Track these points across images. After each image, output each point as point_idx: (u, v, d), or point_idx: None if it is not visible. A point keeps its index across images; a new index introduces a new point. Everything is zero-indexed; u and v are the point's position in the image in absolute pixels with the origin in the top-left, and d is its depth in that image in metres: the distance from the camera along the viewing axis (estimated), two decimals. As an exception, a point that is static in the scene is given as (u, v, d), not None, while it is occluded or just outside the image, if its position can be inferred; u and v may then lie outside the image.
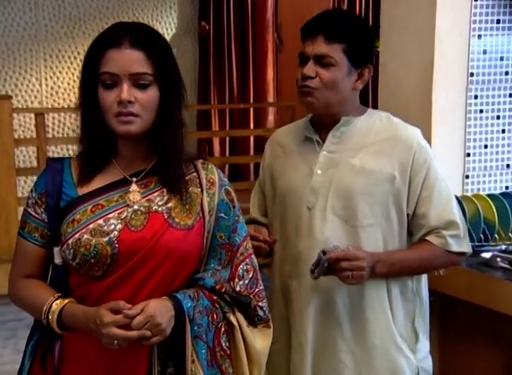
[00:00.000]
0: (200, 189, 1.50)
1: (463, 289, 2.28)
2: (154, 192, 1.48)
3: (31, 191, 1.51)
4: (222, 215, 1.51)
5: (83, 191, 1.47)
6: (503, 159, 3.00)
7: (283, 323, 1.88)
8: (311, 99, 1.78)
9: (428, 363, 1.91)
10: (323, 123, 1.85)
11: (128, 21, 1.53)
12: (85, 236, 1.42)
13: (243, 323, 1.52)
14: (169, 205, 1.46)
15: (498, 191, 2.90)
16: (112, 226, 1.42)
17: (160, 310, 1.36)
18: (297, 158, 1.89)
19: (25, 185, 5.16)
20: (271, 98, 6.06)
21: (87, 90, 1.45)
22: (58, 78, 5.36)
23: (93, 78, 1.42)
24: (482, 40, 2.84)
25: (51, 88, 5.34)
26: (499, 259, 2.49)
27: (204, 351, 1.46)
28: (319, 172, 1.83)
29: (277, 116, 5.98)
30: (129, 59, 1.39)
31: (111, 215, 1.44)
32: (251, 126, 5.85)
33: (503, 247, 2.66)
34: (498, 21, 2.86)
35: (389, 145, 1.81)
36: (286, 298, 1.89)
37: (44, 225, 1.49)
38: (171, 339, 1.40)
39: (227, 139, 5.84)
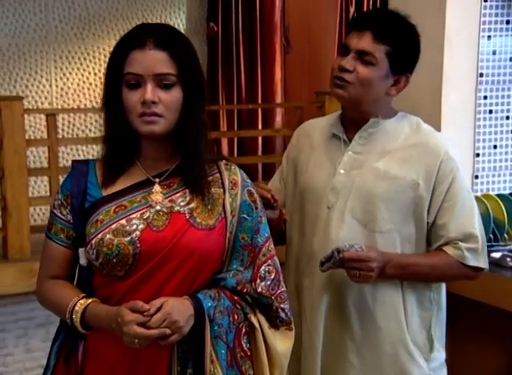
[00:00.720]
0: (222, 190, 1.50)
1: (472, 288, 2.29)
2: (176, 193, 1.48)
3: (57, 193, 1.54)
4: (245, 216, 1.51)
5: (107, 191, 1.49)
6: (512, 160, 3.01)
7: (295, 318, 1.90)
8: (342, 92, 1.76)
9: (442, 373, 1.89)
10: (352, 122, 1.83)
11: (152, 22, 1.54)
12: (107, 236, 1.43)
13: (265, 324, 1.51)
14: (191, 205, 1.46)
15: (507, 191, 2.92)
16: (134, 226, 1.43)
17: (178, 308, 1.36)
18: (323, 155, 1.87)
19: (35, 185, 5.19)
20: (279, 99, 6.07)
21: (111, 91, 1.46)
22: (68, 79, 5.39)
23: (117, 79, 1.43)
24: (492, 41, 2.86)
25: (61, 89, 5.36)
26: (508, 259, 2.51)
27: (223, 351, 1.46)
28: (342, 172, 1.81)
29: (285, 117, 5.99)
30: (153, 60, 1.40)
31: (133, 215, 1.45)
32: (259, 126, 5.86)
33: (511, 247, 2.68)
34: (507, 22, 2.88)
35: (416, 152, 1.78)
36: (298, 295, 1.89)
37: (70, 226, 1.51)
38: (191, 339, 1.41)
39: (235, 139, 5.85)
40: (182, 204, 1.47)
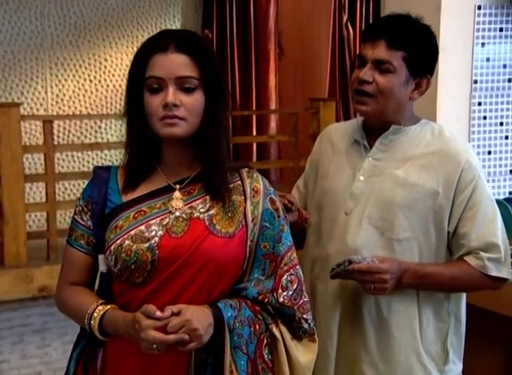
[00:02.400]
0: (243, 197, 1.49)
1: (479, 296, 2.26)
2: (196, 199, 1.47)
3: (78, 199, 1.53)
4: (267, 224, 1.48)
5: (127, 197, 1.48)
6: (506, 165, 3.04)
7: None
8: (365, 108, 1.75)
9: None
10: (373, 128, 1.81)
11: (173, 29, 1.54)
12: (126, 242, 1.42)
13: (287, 335, 1.48)
14: (211, 212, 1.45)
15: (502, 197, 2.94)
16: (154, 233, 1.42)
17: (198, 316, 1.34)
18: (343, 160, 1.85)
19: (30, 191, 5.20)
20: (273, 105, 6.09)
21: (132, 96, 1.45)
22: (63, 86, 5.40)
23: (139, 84, 1.43)
24: (486, 48, 2.89)
25: (57, 96, 5.37)
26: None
27: (243, 362, 1.43)
28: (362, 178, 1.79)
29: (279, 123, 6.01)
30: (174, 63, 1.40)
31: (152, 221, 1.44)
32: (254, 133, 5.88)
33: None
34: (501, 29, 2.91)
35: (437, 159, 1.75)
36: (313, 298, 1.84)
37: (90, 232, 1.50)
38: (209, 348, 1.39)
39: (230, 146, 5.86)
40: (202, 210, 1.45)
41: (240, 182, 1.51)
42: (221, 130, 1.46)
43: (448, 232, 1.76)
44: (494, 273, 1.73)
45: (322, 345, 1.80)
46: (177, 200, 1.46)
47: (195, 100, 1.41)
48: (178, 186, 1.48)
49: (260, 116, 5.97)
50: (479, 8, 2.86)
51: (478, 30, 2.87)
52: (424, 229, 1.74)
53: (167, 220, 1.44)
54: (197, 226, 1.43)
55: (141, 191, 1.48)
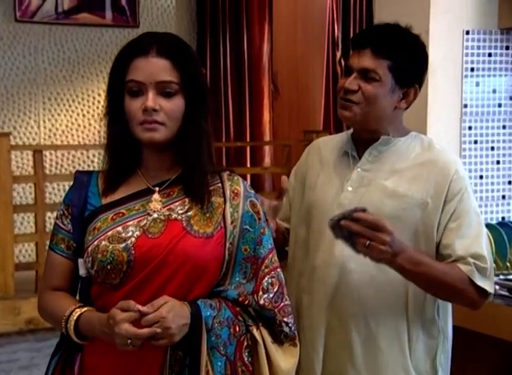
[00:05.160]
0: (223, 199, 1.48)
1: (461, 315, 2.25)
2: (175, 201, 1.47)
3: (60, 204, 1.54)
4: (247, 227, 1.48)
5: (106, 200, 1.48)
6: (498, 190, 3.02)
7: None
8: (347, 113, 1.73)
9: None
10: (362, 140, 1.79)
11: (155, 31, 1.54)
12: (103, 242, 1.42)
13: (268, 339, 1.46)
14: (189, 213, 1.45)
15: (495, 221, 2.91)
16: (130, 233, 1.42)
17: (174, 313, 1.33)
18: (332, 172, 1.83)
19: (22, 221, 5.14)
20: (267, 140, 6.12)
21: (113, 99, 1.45)
22: (56, 120, 5.41)
23: (119, 87, 1.43)
24: (475, 73, 2.90)
25: (49, 130, 5.38)
26: (497, 287, 2.48)
27: (220, 363, 1.42)
28: (350, 189, 1.77)
29: (273, 156, 6.02)
30: (155, 67, 1.40)
31: (130, 222, 1.44)
32: (248, 165, 5.89)
33: (501, 277, 2.65)
34: (490, 54, 2.93)
35: (426, 170, 1.73)
36: (297, 312, 1.81)
37: (70, 236, 1.50)
38: (186, 347, 1.38)
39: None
40: (180, 212, 1.45)
41: (220, 184, 1.51)
42: (202, 135, 1.45)
43: (436, 242, 1.73)
44: (479, 282, 1.67)
45: (308, 359, 1.77)
46: (156, 202, 1.46)
47: (175, 105, 1.41)
48: (157, 188, 1.48)
49: (254, 150, 5.98)
50: (467, 33, 2.88)
51: (466, 54, 2.89)
52: (415, 240, 1.71)
53: (145, 222, 1.44)
54: (174, 227, 1.43)
55: (121, 193, 1.48)
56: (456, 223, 1.70)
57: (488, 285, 1.69)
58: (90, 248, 1.43)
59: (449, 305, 1.83)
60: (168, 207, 1.46)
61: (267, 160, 6.01)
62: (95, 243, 1.42)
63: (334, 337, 1.76)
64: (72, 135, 5.44)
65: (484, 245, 1.72)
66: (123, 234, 1.42)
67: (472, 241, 1.70)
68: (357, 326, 1.72)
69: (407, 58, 1.71)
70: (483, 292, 1.69)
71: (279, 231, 1.86)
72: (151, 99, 1.39)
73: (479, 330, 2.38)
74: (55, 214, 4.98)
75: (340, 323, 1.75)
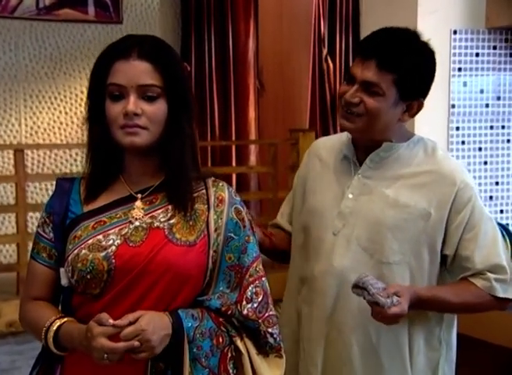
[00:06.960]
0: (207, 206, 1.45)
1: (466, 324, 2.20)
2: (158, 209, 1.44)
3: (42, 212, 1.50)
4: (232, 234, 1.44)
5: (88, 208, 1.45)
6: (485, 191, 3.00)
7: (293, 345, 1.77)
8: (349, 124, 1.69)
9: None
10: (363, 145, 1.75)
11: (137, 34, 1.49)
12: (83, 251, 1.39)
13: (252, 350, 1.43)
14: (172, 221, 1.41)
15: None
16: (111, 242, 1.39)
17: (154, 325, 1.30)
18: (332, 177, 1.78)
19: (3, 221, 5.06)
20: (253, 138, 6.07)
21: (94, 103, 1.42)
22: (38, 118, 5.32)
23: (100, 91, 1.39)
24: (462, 73, 2.88)
25: (31, 128, 5.29)
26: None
27: None
28: (350, 196, 1.73)
29: (259, 155, 5.97)
30: (136, 71, 1.37)
31: (111, 231, 1.41)
32: (233, 164, 5.84)
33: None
34: (477, 54, 2.91)
35: (430, 179, 1.69)
36: (298, 321, 1.78)
37: (52, 244, 1.46)
38: (168, 359, 1.35)
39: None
40: (162, 220, 1.42)
41: (204, 191, 1.48)
42: (185, 139, 1.42)
43: (445, 255, 1.69)
44: (501, 294, 1.68)
45: (307, 372, 1.75)
46: (138, 210, 1.43)
47: (157, 109, 1.38)
48: (140, 195, 1.45)
49: (239, 148, 5.94)
50: (455, 32, 2.86)
51: (454, 54, 2.87)
52: (416, 252, 1.67)
53: (126, 230, 1.41)
54: (155, 235, 1.40)
55: (103, 200, 1.46)
56: (472, 232, 1.67)
57: (510, 293, 1.70)
58: (70, 257, 1.40)
59: (454, 315, 1.81)
60: (151, 215, 1.43)
61: (252, 159, 5.97)
62: (75, 252, 1.40)
63: (333, 350, 1.72)
64: (55, 133, 5.35)
65: (501, 252, 1.70)
66: (104, 243, 1.39)
67: (490, 250, 1.68)
68: (357, 339, 1.69)
69: (413, 72, 1.64)
70: (507, 299, 1.71)
71: (267, 237, 1.83)
72: (132, 103, 1.36)
73: (485, 339, 2.36)
74: (37, 214, 4.89)
75: (340, 335, 1.71)
